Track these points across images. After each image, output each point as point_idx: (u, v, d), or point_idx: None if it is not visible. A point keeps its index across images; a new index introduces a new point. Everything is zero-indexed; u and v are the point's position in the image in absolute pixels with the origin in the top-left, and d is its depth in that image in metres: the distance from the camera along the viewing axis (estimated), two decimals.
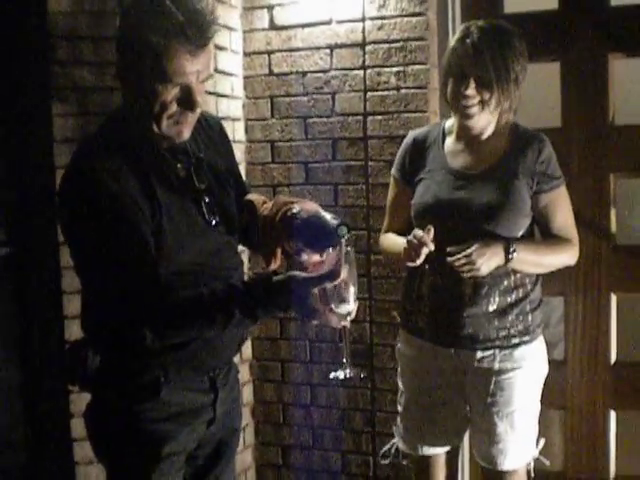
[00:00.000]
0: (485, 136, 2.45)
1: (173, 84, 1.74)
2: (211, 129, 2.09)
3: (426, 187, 2.47)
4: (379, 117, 3.26)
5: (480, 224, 2.37)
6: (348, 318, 1.82)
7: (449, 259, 2.32)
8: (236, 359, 3.20)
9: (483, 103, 2.35)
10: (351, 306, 1.80)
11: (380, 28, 3.22)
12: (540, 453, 2.60)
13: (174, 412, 1.94)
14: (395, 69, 3.22)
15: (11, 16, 2.83)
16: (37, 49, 2.85)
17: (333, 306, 1.77)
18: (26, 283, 2.95)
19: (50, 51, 2.84)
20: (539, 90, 3.21)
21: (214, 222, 1.94)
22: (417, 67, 3.18)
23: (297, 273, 1.81)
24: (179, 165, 1.93)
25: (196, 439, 2.02)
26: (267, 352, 3.55)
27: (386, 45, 3.22)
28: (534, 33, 3.09)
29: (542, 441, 2.60)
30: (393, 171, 2.62)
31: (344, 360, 1.90)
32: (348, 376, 1.90)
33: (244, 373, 3.51)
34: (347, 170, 3.33)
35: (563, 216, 2.47)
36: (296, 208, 1.92)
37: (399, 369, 2.65)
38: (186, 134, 1.86)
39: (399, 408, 2.67)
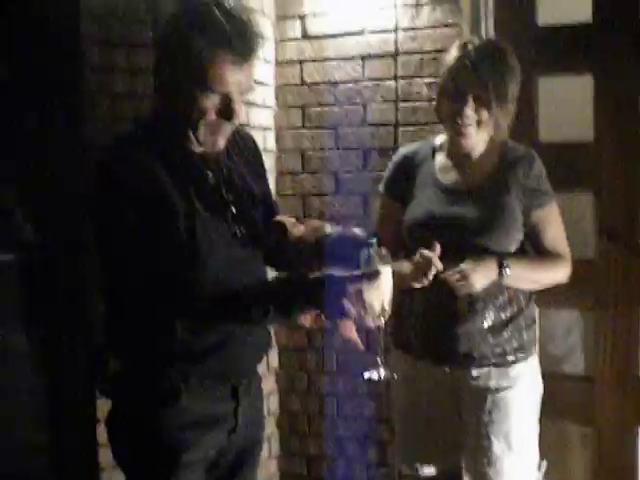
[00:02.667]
0: (476, 151, 2.42)
1: (213, 92, 1.75)
2: (245, 144, 2.08)
3: (417, 204, 2.45)
4: (411, 128, 3.25)
5: (472, 240, 2.35)
6: (382, 318, 1.80)
7: (442, 275, 2.28)
8: (262, 369, 3.23)
9: (480, 123, 2.33)
10: (386, 306, 1.78)
11: (413, 39, 3.22)
12: (543, 478, 2.55)
13: (194, 420, 1.92)
14: (427, 80, 3.21)
15: (46, 20, 2.85)
16: (70, 54, 2.87)
17: (368, 306, 1.74)
18: (54, 287, 2.96)
19: (83, 56, 2.86)
20: (570, 103, 3.20)
21: (239, 234, 1.93)
22: None
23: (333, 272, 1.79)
24: (210, 174, 1.92)
25: (217, 447, 2.00)
26: (293, 362, 3.54)
27: (418, 56, 3.22)
28: (567, 45, 3.07)
29: (544, 464, 2.55)
30: (381, 188, 2.59)
31: (378, 360, 1.89)
32: (382, 377, 1.90)
33: (270, 383, 3.50)
34: (378, 180, 3.24)
35: (554, 232, 2.44)
36: (328, 228, 1.93)
37: (393, 387, 2.62)
38: (221, 144, 1.87)
39: (396, 427, 2.64)
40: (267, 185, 2.18)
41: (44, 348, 2.94)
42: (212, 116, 1.78)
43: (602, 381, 3.16)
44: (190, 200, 1.83)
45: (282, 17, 3.48)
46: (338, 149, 3.40)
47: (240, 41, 1.73)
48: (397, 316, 2.52)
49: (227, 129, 1.84)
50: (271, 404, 3.50)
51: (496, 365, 2.40)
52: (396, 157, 2.57)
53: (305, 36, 3.44)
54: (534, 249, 2.47)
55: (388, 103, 3.29)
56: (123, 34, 2.91)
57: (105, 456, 2.87)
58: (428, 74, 3.21)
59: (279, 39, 3.50)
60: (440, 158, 2.49)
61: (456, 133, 2.37)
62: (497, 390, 2.39)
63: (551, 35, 3.20)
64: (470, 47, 2.33)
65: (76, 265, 2.90)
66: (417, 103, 3.24)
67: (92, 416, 2.89)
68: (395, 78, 3.27)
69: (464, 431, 2.48)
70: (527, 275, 2.39)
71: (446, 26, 3.16)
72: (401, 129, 3.27)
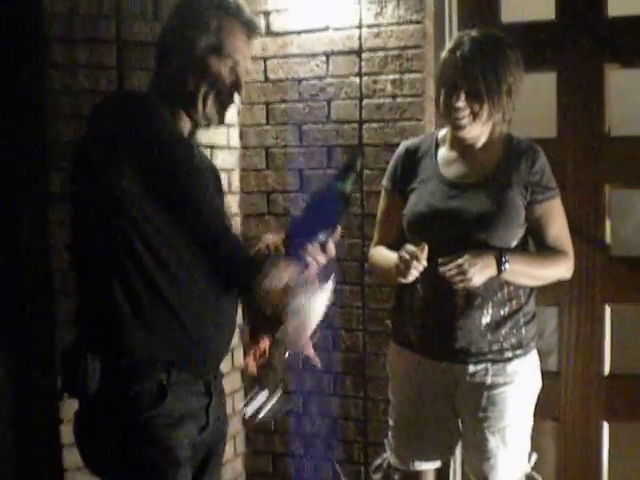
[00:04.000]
0: (478, 146, 2.42)
1: (228, 59, 1.89)
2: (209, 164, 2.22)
3: (418, 196, 2.45)
4: (375, 125, 3.24)
5: (473, 234, 2.34)
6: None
7: (440, 269, 2.27)
8: (227, 367, 3.22)
9: (474, 115, 2.32)
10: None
11: (377, 36, 3.21)
12: (532, 468, 2.57)
13: (179, 417, 1.92)
14: (391, 77, 3.20)
15: (7, 18, 2.81)
16: (33, 51, 2.83)
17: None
18: (17, 284, 2.92)
19: (45, 54, 2.82)
20: (534, 100, 3.21)
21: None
22: (413, 75, 3.17)
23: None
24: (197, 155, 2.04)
25: (191, 445, 1.98)
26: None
27: (382, 53, 3.21)
28: (531, 43, 3.09)
29: (534, 456, 2.56)
30: (384, 182, 2.58)
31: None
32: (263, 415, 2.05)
33: (235, 381, 3.49)
34: None
35: (557, 228, 2.44)
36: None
37: (390, 382, 2.62)
38: (223, 117, 1.98)
39: (390, 422, 2.64)
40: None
41: (7, 348, 2.92)
42: (225, 83, 1.91)
43: (567, 376, 3.20)
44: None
45: None
46: (302, 146, 3.38)
47: (249, 17, 1.93)
48: (396, 310, 2.55)
49: (233, 102, 1.98)
50: (236, 402, 3.48)
51: (493, 361, 2.39)
52: (398, 150, 2.57)
53: (268, 32, 3.40)
54: (536, 245, 2.47)
55: (352, 100, 3.28)
56: (85, 30, 2.87)
57: (70, 457, 2.86)
58: (392, 71, 3.20)
59: None
60: (443, 151, 2.48)
61: (451, 124, 2.37)
62: (493, 386, 2.40)
63: (514, 32, 3.20)
64: (465, 39, 2.32)
65: (40, 264, 2.87)
66: (381, 100, 3.22)
67: (56, 417, 2.86)
68: (359, 75, 3.25)
69: (459, 426, 2.50)
70: (527, 271, 2.38)
71: (410, 23, 3.15)
72: (365, 126, 3.26)
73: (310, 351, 2.05)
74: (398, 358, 2.55)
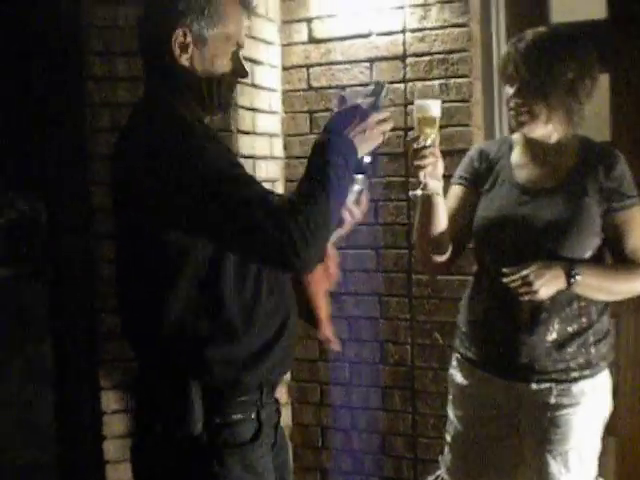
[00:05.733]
0: (550, 148, 2.29)
1: (231, 44, 1.84)
2: None
3: (489, 201, 2.33)
4: None
5: (542, 243, 2.21)
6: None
7: (504, 280, 2.15)
8: None
9: (531, 112, 2.20)
10: None
11: (421, 40, 3.14)
12: None
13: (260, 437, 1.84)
14: (437, 82, 3.13)
15: (46, 32, 2.82)
16: (71, 65, 2.83)
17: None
18: (60, 300, 2.92)
19: (84, 67, 2.82)
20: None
21: None
22: (460, 80, 3.09)
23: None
24: None
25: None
26: (306, 373, 3.46)
27: (427, 57, 3.14)
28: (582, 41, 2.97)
29: None
30: (455, 179, 2.45)
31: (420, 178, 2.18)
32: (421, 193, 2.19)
33: (282, 395, 3.43)
34: (387, 186, 3.24)
35: (636, 239, 2.26)
36: None
37: (449, 396, 2.49)
38: (230, 104, 1.95)
39: (447, 438, 2.51)
40: None
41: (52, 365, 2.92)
42: (229, 70, 1.86)
43: (625, 390, 3.06)
44: None
45: (288, 21, 3.41)
46: None
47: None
48: (460, 321, 2.45)
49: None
50: (283, 416, 3.42)
51: (558, 381, 2.25)
52: (471, 152, 2.47)
53: (311, 40, 3.37)
54: (614, 256, 2.31)
55: (397, 106, 3.20)
56: (124, 43, 2.86)
57: (113, 474, 2.84)
58: (438, 76, 3.13)
59: (285, 43, 3.42)
60: (516, 154, 2.37)
61: (513, 122, 2.27)
62: (557, 407, 2.25)
63: None
64: (529, 32, 2.22)
65: (84, 280, 2.86)
66: None
67: (100, 433, 2.85)
68: (404, 81, 3.19)
69: (520, 447, 2.36)
70: (600, 285, 2.22)
71: (455, 26, 3.08)
72: (411, 133, 3.11)
73: (329, 333, 1.96)
74: (459, 372, 2.43)
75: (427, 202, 2.28)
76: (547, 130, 2.25)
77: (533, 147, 2.32)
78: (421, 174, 2.19)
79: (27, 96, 2.84)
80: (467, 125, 3.08)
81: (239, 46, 1.87)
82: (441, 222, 2.30)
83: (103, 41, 2.85)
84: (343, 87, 3.29)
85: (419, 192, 2.23)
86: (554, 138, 2.28)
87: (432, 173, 2.20)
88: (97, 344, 2.86)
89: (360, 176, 1.89)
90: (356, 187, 1.87)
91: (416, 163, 2.18)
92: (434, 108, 2.16)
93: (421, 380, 3.21)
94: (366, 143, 1.82)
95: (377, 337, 3.21)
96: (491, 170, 2.37)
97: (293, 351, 1.94)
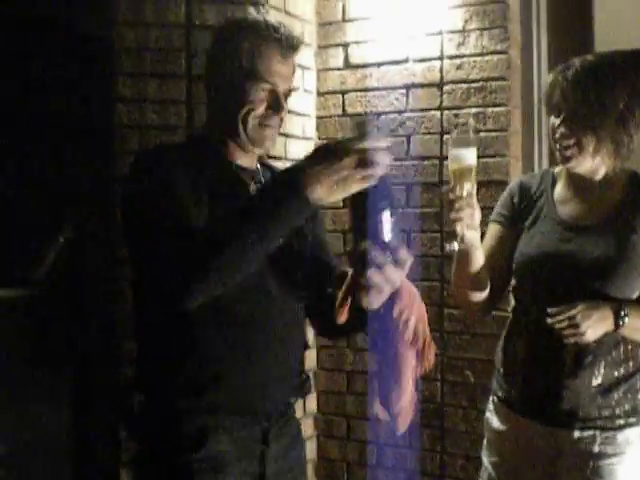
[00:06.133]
0: (597, 183, 2.17)
1: (263, 82, 1.82)
2: None
3: (530, 237, 2.22)
4: None
5: (588, 282, 2.09)
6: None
7: (549, 320, 2.03)
8: (299, 412, 3.08)
9: (579, 144, 2.09)
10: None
11: (459, 67, 3.07)
12: None
13: (223, 463, 1.81)
14: (474, 110, 3.05)
15: (76, 52, 2.81)
16: (101, 86, 2.82)
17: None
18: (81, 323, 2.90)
19: (114, 88, 2.79)
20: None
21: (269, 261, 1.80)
22: (497, 109, 3.00)
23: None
24: (252, 185, 1.91)
25: None
26: (332, 406, 3.38)
27: (465, 85, 3.07)
28: (630, 70, 2.86)
29: None
30: (494, 216, 2.34)
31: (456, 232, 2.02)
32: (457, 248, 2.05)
33: (307, 428, 3.35)
34: (421, 217, 3.15)
35: None
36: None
37: (484, 441, 2.36)
38: (269, 141, 1.89)
39: None
40: (321, 232, 2.10)
41: (68, 388, 2.88)
42: (261, 108, 1.84)
43: None
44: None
45: (324, 46, 3.37)
46: None
47: (284, 36, 1.84)
48: (499, 361, 2.33)
49: (276, 123, 1.87)
50: (308, 450, 3.33)
51: (602, 428, 2.12)
52: (512, 185, 2.35)
53: (347, 65, 3.32)
54: None
55: (433, 135, 3.14)
56: (155, 65, 2.84)
57: None
58: (475, 104, 3.05)
59: (321, 68, 3.37)
60: (559, 188, 2.25)
61: (559, 156, 2.15)
62: (601, 456, 2.11)
63: None
64: (577, 60, 2.11)
65: (104, 301, 2.83)
66: None
67: (116, 458, 2.80)
68: (440, 108, 3.12)
69: None
70: None
71: (494, 53, 3.00)
72: (446, 163, 3.04)
73: (402, 424, 1.83)
74: (496, 415, 2.30)
75: (465, 256, 2.17)
76: (594, 164, 2.13)
77: (577, 181, 2.20)
78: (458, 227, 2.06)
79: (55, 116, 2.82)
80: (504, 155, 2.98)
81: (273, 85, 1.87)
82: (479, 267, 2.19)
83: (133, 62, 2.83)
84: (378, 114, 3.24)
85: (456, 246, 2.10)
86: (600, 172, 2.16)
87: (469, 224, 2.06)
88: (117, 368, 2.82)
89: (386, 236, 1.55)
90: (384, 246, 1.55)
91: (452, 216, 2.04)
92: (470, 157, 2.02)
93: (451, 418, 3.10)
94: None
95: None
96: (532, 205, 2.26)
97: (262, 393, 1.86)
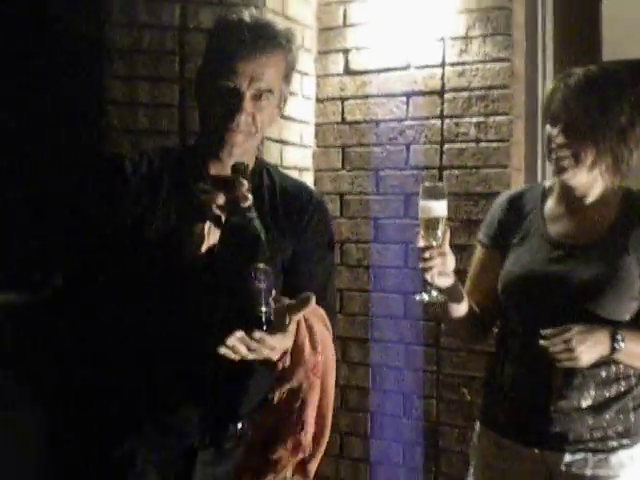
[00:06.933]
0: (590, 200, 2.09)
1: (223, 81, 1.72)
2: (289, 202, 1.88)
3: (518, 255, 2.13)
4: (456, 172, 3.00)
5: (579, 304, 2.01)
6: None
7: (544, 343, 1.94)
8: None
9: (576, 156, 1.99)
10: None
11: (460, 75, 2.99)
12: None
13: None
14: (475, 119, 2.97)
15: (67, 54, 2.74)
16: (91, 89, 2.75)
17: None
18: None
19: (105, 91, 2.74)
20: None
21: None
22: (499, 118, 2.92)
23: None
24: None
25: None
26: None
27: (466, 93, 2.99)
28: (633, 83, 2.78)
29: None
30: (480, 236, 2.25)
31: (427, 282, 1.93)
32: (431, 299, 1.95)
33: None
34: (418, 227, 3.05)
35: None
36: None
37: (471, 467, 2.27)
38: (235, 147, 1.74)
39: None
40: (310, 255, 1.90)
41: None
42: (221, 109, 1.73)
43: None
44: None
45: (324, 52, 3.30)
46: (379, 193, 3.18)
47: (253, 35, 1.73)
48: (485, 386, 2.26)
49: (236, 128, 1.73)
50: None
51: (594, 451, 2.04)
52: (499, 200, 2.25)
53: (347, 71, 3.25)
54: None
55: (433, 144, 3.06)
56: (147, 67, 2.77)
57: None
58: (476, 113, 2.96)
59: (320, 74, 3.30)
60: (550, 204, 2.16)
61: (554, 167, 2.05)
62: None
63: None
64: (578, 70, 2.04)
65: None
66: (464, 145, 2.99)
67: None
68: (441, 117, 3.04)
69: None
70: None
71: (497, 60, 2.92)
72: (446, 173, 3.02)
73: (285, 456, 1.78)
74: (483, 440, 2.21)
75: (444, 310, 2.11)
76: (589, 178, 2.04)
77: (570, 197, 2.10)
78: (428, 276, 1.96)
79: (42, 118, 2.75)
80: (505, 167, 2.90)
81: (236, 83, 1.79)
82: (464, 314, 2.12)
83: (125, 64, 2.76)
84: (377, 122, 3.16)
85: (425, 297, 2.00)
86: (595, 188, 2.07)
87: (441, 271, 1.96)
88: None
89: None
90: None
91: (422, 265, 1.94)
92: (439, 209, 1.94)
93: (446, 437, 3.01)
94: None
95: (401, 389, 3.04)
96: (521, 222, 2.16)
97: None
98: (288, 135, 3.15)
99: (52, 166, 2.79)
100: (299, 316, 1.58)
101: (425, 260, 1.94)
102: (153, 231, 1.71)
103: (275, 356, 1.54)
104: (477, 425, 2.25)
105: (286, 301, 1.55)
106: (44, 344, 2.58)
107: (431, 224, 1.94)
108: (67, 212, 2.15)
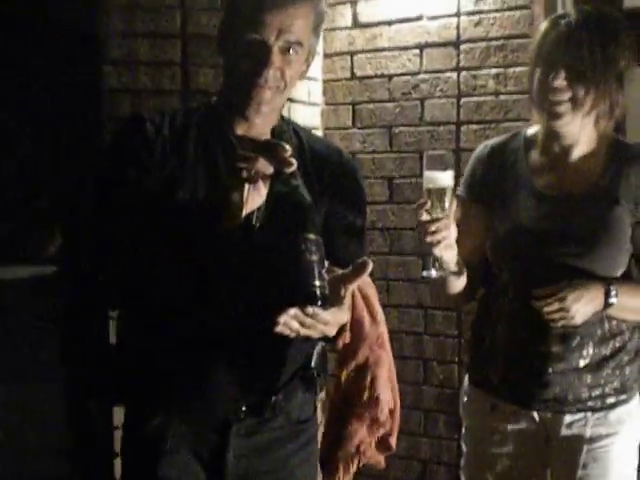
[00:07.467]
0: (577, 148, 2.00)
1: (248, 34, 1.60)
2: (320, 163, 1.76)
3: (504, 212, 2.05)
4: (474, 127, 2.94)
5: (570, 260, 1.95)
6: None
7: (537, 304, 1.90)
8: None
9: (575, 100, 1.90)
10: None
11: (477, 24, 2.91)
12: None
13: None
14: (494, 71, 2.90)
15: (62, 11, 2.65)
16: (89, 47, 2.65)
17: None
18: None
19: (103, 50, 2.63)
20: None
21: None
22: (519, 69, 2.83)
23: None
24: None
25: None
26: None
27: (484, 44, 2.91)
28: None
29: None
30: (460, 190, 2.15)
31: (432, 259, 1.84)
32: (436, 275, 1.85)
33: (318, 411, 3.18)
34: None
35: None
36: None
37: (463, 430, 2.22)
38: (263, 105, 1.62)
39: (462, 479, 2.24)
40: (346, 226, 1.80)
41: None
42: (246, 64, 1.61)
43: None
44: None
45: (331, 4, 3.18)
46: (392, 151, 3.10)
47: None
48: (473, 347, 2.19)
49: (264, 83, 1.61)
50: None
51: (594, 409, 2.01)
52: (479, 151, 2.15)
53: (356, 24, 3.15)
54: None
55: (449, 98, 2.99)
56: (147, 23, 2.66)
57: None
58: (495, 64, 2.89)
59: (328, 28, 3.18)
60: (534, 155, 2.06)
61: (546, 112, 1.95)
62: (594, 439, 2.02)
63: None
64: (572, 11, 1.97)
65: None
66: (482, 98, 2.92)
67: (110, 450, 2.67)
68: (457, 69, 2.97)
69: None
70: (637, 305, 1.99)
71: (516, 8, 2.84)
72: (463, 128, 2.95)
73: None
74: (476, 403, 2.16)
75: (443, 285, 2.03)
76: (582, 125, 1.96)
77: (556, 147, 2.01)
78: (436, 250, 1.86)
79: (42, 108, 2.69)
80: (526, 120, 2.77)
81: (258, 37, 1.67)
82: (460, 290, 2.04)
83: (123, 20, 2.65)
84: (389, 76, 3.07)
85: (434, 273, 1.90)
86: (583, 136, 1.98)
87: (447, 245, 1.86)
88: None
89: None
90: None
91: (429, 239, 1.83)
92: (445, 178, 1.84)
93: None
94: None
95: (421, 354, 2.99)
96: (505, 174, 2.07)
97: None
98: (295, 93, 3.02)
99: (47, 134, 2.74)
100: (354, 286, 1.46)
101: (432, 233, 1.83)
102: (183, 199, 1.60)
103: (332, 331, 1.43)
104: (465, 384, 2.20)
105: (339, 271, 1.43)
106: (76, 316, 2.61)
107: (438, 195, 1.83)
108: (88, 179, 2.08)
